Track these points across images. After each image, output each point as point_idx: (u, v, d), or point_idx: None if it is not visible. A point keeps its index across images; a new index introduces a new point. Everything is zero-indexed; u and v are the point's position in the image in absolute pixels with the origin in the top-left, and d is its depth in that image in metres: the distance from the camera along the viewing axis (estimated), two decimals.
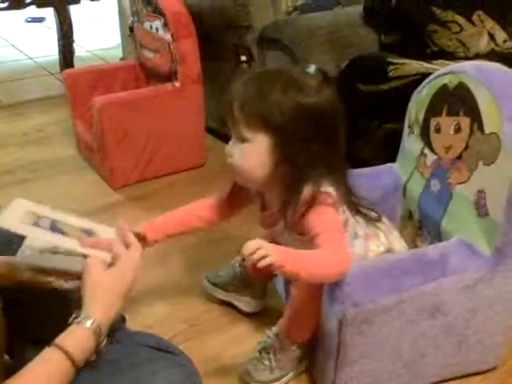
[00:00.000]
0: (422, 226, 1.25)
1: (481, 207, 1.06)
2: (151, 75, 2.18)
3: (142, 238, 1.10)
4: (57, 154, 2.26)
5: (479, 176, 1.07)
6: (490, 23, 1.70)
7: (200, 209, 1.24)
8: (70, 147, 2.29)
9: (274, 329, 1.17)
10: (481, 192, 1.06)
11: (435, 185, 1.20)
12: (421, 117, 1.24)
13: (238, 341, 1.29)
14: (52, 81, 3.12)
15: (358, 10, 1.92)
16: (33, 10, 3.12)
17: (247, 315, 1.37)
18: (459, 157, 1.13)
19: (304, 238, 1.02)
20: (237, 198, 1.21)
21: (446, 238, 1.14)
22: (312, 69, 1.00)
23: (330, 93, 1.00)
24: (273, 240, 1.09)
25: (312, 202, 0.99)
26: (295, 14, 2.07)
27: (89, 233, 0.89)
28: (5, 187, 2.01)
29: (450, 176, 1.15)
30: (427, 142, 1.23)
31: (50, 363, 0.73)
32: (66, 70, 2.27)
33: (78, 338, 0.76)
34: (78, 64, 2.84)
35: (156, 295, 1.44)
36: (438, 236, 1.18)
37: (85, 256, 0.82)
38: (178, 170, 2.08)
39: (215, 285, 1.39)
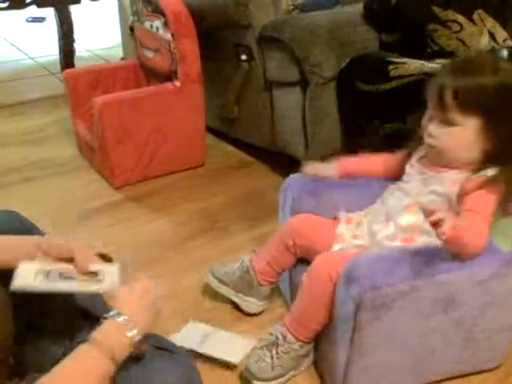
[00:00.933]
0: None
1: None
2: (151, 75, 2.18)
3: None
4: (57, 154, 2.26)
5: None
6: (490, 22, 1.70)
7: (383, 164, 1.31)
8: (70, 147, 2.29)
9: (277, 326, 1.18)
10: None
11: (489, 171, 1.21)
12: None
13: (242, 335, 1.29)
14: (53, 80, 3.12)
15: (358, 8, 1.92)
16: (33, 10, 3.11)
17: (250, 313, 1.37)
18: None
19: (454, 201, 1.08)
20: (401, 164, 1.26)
21: None
22: (504, 54, 1.13)
23: None
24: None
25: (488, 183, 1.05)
26: (295, 12, 2.07)
27: (95, 273, 0.92)
28: (8, 186, 2.01)
29: None
30: None
31: (89, 360, 0.74)
32: (67, 70, 2.27)
33: (113, 334, 0.77)
34: (78, 64, 2.84)
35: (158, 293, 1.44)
36: None
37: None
38: (179, 169, 2.09)
39: (220, 281, 1.38)
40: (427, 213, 0.95)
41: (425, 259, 1.04)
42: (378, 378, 1.13)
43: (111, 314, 0.79)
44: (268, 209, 1.77)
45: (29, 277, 0.87)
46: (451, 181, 1.10)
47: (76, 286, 0.90)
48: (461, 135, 1.06)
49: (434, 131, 1.09)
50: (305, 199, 1.30)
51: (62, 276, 0.90)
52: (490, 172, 1.06)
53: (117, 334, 0.77)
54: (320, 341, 1.18)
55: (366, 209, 1.24)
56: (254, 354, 1.18)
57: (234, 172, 2.09)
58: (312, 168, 1.29)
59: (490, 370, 1.21)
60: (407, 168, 1.21)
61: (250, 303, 1.36)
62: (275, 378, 1.17)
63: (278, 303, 1.41)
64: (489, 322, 1.12)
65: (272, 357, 1.16)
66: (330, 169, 1.28)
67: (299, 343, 1.16)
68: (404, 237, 1.13)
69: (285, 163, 2.01)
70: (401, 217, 1.14)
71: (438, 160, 1.12)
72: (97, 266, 0.92)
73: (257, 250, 1.38)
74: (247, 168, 2.12)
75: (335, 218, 1.27)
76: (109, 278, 0.90)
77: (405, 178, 1.20)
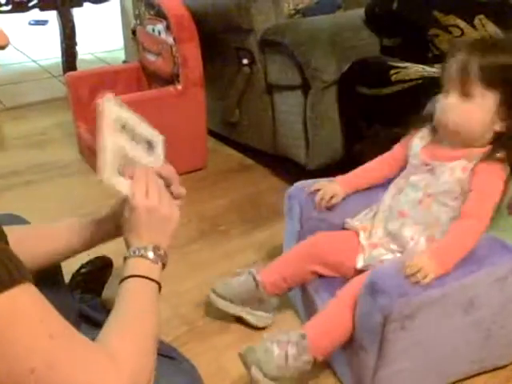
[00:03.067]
0: None
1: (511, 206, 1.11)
2: (153, 78, 2.19)
3: None
4: (59, 157, 2.26)
5: None
6: (491, 27, 1.70)
7: (380, 168, 1.31)
8: (72, 149, 2.29)
9: (296, 334, 1.11)
10: None
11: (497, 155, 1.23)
12: None
13: (240, 342, 1.29)
14: (55, 83, 3.13)
15: (359, 13, 1.93)
16: (36, 13, 3.13)
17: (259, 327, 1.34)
18: None
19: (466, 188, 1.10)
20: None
21: None
22: None
23: None
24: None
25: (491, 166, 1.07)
26: (297, 17, 2.08)
27: (149, 144, 1.00)
28: (10, 189, 2.02)
29: None
30: None
31: (140, 291, 0.76)
32: (69, 73, 2.28)
33: (147, 266, 0.79)
34: (80, 67, 2.85)
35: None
36: None
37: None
38: (180, 172, 2.02)
39: (225, 298, 1.32)
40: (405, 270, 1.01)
41: None
42: (403, 383, 1.12)
43: (138, 252, 0.80)
44: (269, 212, 1.77)
45: (109, 122, 0.93)
46: (461, 167, 1.10)
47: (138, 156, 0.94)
48: (478, 110, 1.06)
49: (450, 104, 1.08)
50: (311, 205, 1.30)
51: (133, 136, 0.97)
52: (499, 156, 1.07)
53: (152, 266, 0.80)
54: (343, 347, 1.14)
55: (375, 208, 1.24)
56: (261, 343, 1.12)
57: (235, 175, 2.09)
58: (318, 189, 1.29)
59: (494, 370, 1.22)
60: (410, 158, 1.20)
61: (259, 316, 1.33)
62: (274, 379, 1.10)
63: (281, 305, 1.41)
64: (506, 318, 1.13)
65: (280, 355, 1.09)
66: (336, 190, 1.28)
67: (311, 358, 1.10)
68: (427, 236, 1.13)
69: (286, 167, 2.02)
70: (417, 212, 1.14)
71: (451, 138, 1.12)
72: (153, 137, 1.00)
73: (258, 261, 1.36)
74: (248, 171, 2.12)
75: (343, 227, 1.28)
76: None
77: (410, 169, 1.20)
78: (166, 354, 0.86)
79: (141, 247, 0.80)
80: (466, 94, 1.06)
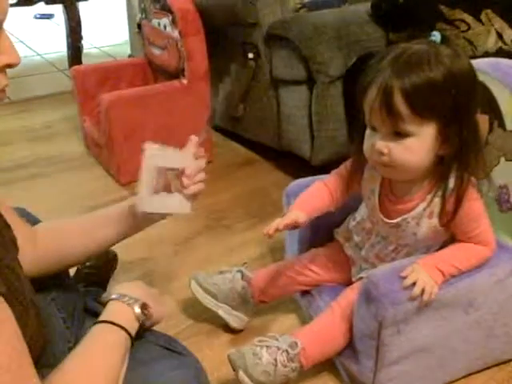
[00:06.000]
0: None
1: (504, 202, 1.08)
2: (159, 72, 2.19)
3: None
4: (65, 150, 2.27)
5: (501, 171, 1.09)
6: (498, 22, 1.69)
7: (328, 191, 1.16)
8: (77, 143, 2.30)
9: (286, 336, 1.10)
10: (503, 187, 1.08)
11: (450, 182, 1.20)
12: None
13: (244, 337, 1.30)
14: (60, 77, 3.14)
15: (365, 7, 1.92)
16: (42, 7, 3.14)
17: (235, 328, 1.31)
18: None
19: (442, 230, 1.03)
20: (352, 183, 1.14)
21: None
22: (437, 37, 0.96)
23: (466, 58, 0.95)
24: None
25: (462, 193, 0.96)
26: (303, 11, 2.07)
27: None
28: (15, 182, 2.03)
29: None
30: None
31: (107, 337, 0.77)
32: (75, 67, 2.28)
33: (123, 312, 0.81)
34: (86, 61, 2.86)
35: (161, 291, 1.45)
36: None
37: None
38: None
39: (206, 290, 1.27)
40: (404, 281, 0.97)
41: None
42: (407, 382, 1.12)
43: (113, 296, 0.83)
44: (273, 207, 1.77)
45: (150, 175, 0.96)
46: (426, 216, 1.01)
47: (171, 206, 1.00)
48: (418, 146, 0.92)
49: (383, 147, 0.94)
50: None
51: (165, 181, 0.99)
52: (451, 183, 0.97)
53: (122, 309, 0.81)
54: (343, 352, 1.14)
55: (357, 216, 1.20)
56: (250, 346, 1.10)
57: (239, 170, 2.09)
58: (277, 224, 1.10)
59: (495, 370, 1.21)
60: (367, 195, 1.10)
61: (238, 318, 1.28)
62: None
63: (282, 304, 1.41)
64: (508, 316, 1.12)
65: (269, 361, 1.06)
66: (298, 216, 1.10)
67: (299, 365, 1.08)
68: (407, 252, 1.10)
69: (291, 161, 2.02)
70: (393, 259, 1.11)
71: (399, 176, 1.01)
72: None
73: (248, 262, 1.34)
74: (253, 166, 2.12)
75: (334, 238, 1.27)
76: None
77: (371, 214, 1.11)
78: (171, 348, 0.87)
79: (132, 297, 0.83)
80: (399, 132, 0.92)
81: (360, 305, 1.04)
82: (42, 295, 0.91)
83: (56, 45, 3.54)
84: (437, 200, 0.99)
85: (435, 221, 1.01)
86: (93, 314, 1.05)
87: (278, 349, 1.07)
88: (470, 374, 1.18)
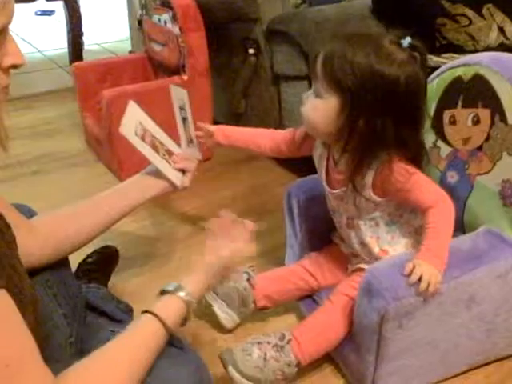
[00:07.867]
0: None
1: (507, 197, 1.08)
2: (159, 68, 2.19)
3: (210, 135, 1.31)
4: (66, 147, 2.27)
5: (504, 166, 1.09)
6: (499, 17, 1.68)
7: (268, 137, 1.30)
8: (78, 140, 2.30)
9: (276, 335, 1.11)
10: (506, 182, 1.08)
11: (452, 176, 1.20)
12: (432, 110, 1.23)
13: (245, 332, 1.30)
14: (61, 74, 3.14)
15: (366, 2, 1.91)
16: (42, 3, 3.13)
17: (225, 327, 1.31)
18: (479, 148, 1.14)
19: (383, 200, 1.04)
20: (304, 141, 1.23)
21: (469, 229, 1.15)
22: (406, 42, 0.98)
23: (414, 71, 0.96)
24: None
25: (388, 168, 1.00)
26: (303, 6, 2.07)
27: (169, 153, 1.17)
28: (17, 179, 2.03)
29: (469, 167, 1.16)
30: (440, 135, 1.23)
31: (146, 331, 0.79)
32: (75, 63, 2.28)
33: (171, 307, 0.84)
34: (87, 57, 2.86)
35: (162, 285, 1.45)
36: (458, 227, 1.16)
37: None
38: None
39: None
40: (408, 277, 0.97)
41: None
42: (406, 379, 1.12)
43: (175, 288, 0.87)
44: (274, 204, 1.77)
45: (131, 124, 1.07)
46: (368, 188, 1.03)
47: (157, 161, 1.12)
48: (322, 109, 0.99)
49: (304, 98, 1.04)
50: (311, 204, 1.30)
51: (153, 144, 1.12)
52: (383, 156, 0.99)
53: (177, 310, 0.85)
54: (343, 346, 1.14)
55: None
56: (242, 345, 1.10)
57: (240, 166, 2.09)
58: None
59: (494, 366, 1.21)
60: (317, 161, 1.17)
61: (230, 317, 1.27)
62: (252, 380, 1.07)
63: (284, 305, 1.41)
64: (510, 310, 1.12)
65: (259, 356, 1.07)
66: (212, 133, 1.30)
67: (294, 361, 1.08)
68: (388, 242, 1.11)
69: (291, 158, 2.01)
70: (350, 235, 1.14)
71: (310, 131, 1.08)
72: (171, 146, 1.20)
73: (255, 265, 1.31)
74: (254, 162, 2.12)
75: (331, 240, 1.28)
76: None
77: (327, 188, 1.14)
78: (174, 344, 0.87)
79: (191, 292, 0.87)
80: (315, 92, 1.00)
81: (361, 299, 1.04)
82: (44, 291, 0.91)
83: (57, 41, 3.54)
84: (370, 172, 1.02)
85: (370, 192, 1.04)
86: (94, 310, 1.05)
87: (269, 343, 1.09)
88: (470, 370, 1.18)
